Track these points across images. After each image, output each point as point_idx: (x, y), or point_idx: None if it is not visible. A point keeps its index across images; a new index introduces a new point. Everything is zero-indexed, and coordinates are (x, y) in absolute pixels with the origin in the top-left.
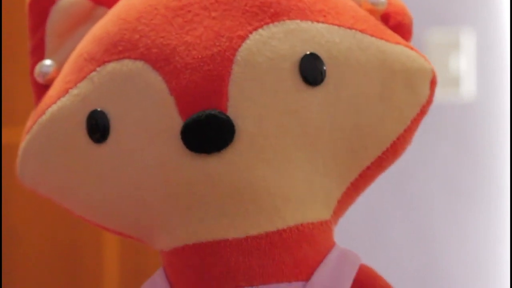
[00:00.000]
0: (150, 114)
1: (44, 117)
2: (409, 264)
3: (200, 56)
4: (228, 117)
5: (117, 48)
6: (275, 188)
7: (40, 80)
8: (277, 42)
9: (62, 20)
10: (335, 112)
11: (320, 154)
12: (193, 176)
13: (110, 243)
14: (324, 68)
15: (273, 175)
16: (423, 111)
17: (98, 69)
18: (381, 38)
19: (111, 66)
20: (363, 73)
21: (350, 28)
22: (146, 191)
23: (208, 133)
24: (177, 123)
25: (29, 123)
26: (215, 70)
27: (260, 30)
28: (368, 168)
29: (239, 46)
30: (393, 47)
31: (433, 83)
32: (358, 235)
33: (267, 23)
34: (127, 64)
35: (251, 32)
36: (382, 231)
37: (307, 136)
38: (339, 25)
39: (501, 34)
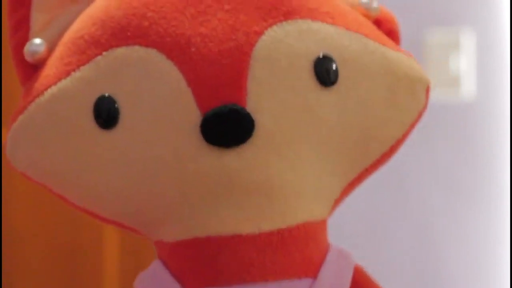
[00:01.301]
0: (165, 103)
1: (42, 98)
2: (408, 264)
3: (217, 49)
4: (248, 112)
5: (125, 33)
6: (289, 185)
7: (29, 59)
8: (292, 40)
9: None
10: (346, 113)
11: (330, 153)
12: (209, 169)
13: (110, 243)
14: (337, 69)
15: (288, 172)
16: (419, 117)
17: (104, 53)
18: (384, 44)
19: (119, 52)
20: (371, 77)
21: (356, 31)
22: (157, 180)
23: (229, 126)
24: (195, 115)
25: (22, 103)
26: (234, 64)
27: (274, 27)
28: (366, 169)
29: (256, 41)
30: (394, 54)
31: (427, 90)
32: (358, 234)
33: (280, 21)
34: (138, 51)
35: (266, 29)
36: (381, 231)
37: (319, 135)
38: (346, 28)
39: (501, 34)
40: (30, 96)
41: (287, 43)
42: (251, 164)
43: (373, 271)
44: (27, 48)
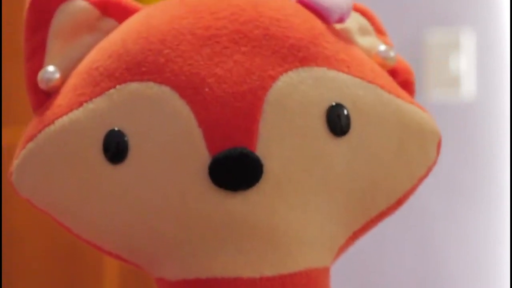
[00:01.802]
0: (175, 142)
1: (52, 127)
2: (409, 264)
3: (231, 91)
4: (258, 157)
5: (140, 68)
6: (293, 231)
7: (43, 86)
8: (306, 87)
9: (67, 23)
10: (355, 163)
11: (335, 202)
12: (214, 211)
13: None
14: (349, 120)
15: (293, 219)
16: (428, 172)
17: (118, 87)
18: (398, 96)
19: (133, 86)
20: (383, 129)
21: (371, 82)
22: (161, 218)
23: (238, 170)
24: (204, 156)
25: (31, 131)
26: (247, 108)
27: (290, 73)
28: (371, 220)
29: (270, 86)
30: (408, 107)
31: (439, 145)
32: None
33: (296, 67)
34: (152, 87)
35: (281, 74)
36: (382, 231)
37: (327, 183)
38: (361, 78)
39: (501, 34)
40: (40, 124)
41: (301, 89)
42: (256, 209)
43: (373, 271)
44: (41, 75)
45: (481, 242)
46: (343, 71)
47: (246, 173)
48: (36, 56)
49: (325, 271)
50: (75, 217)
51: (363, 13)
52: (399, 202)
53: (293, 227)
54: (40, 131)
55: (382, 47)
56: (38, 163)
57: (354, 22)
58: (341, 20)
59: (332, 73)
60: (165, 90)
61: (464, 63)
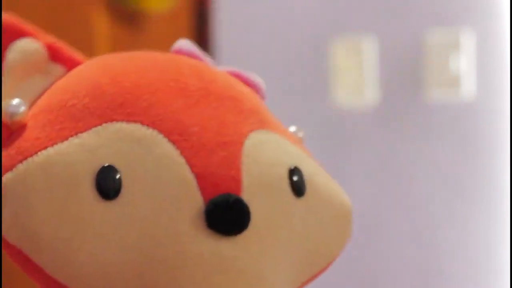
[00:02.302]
0: (168, 184)
1: (36, 158)
2: (409, 263)
3: (215, 141)
4: (247, 204)
5: (125, 109)
6: (271, 280)
7: (7, 119)
8: (270, 148)
9: (19, 61)
10: (309, 226)
11: (291, 259)
12: (206, 255)
13: None
14: (305, 183)
15: (270, 267)
16: (345, 244)
17: (104, 124)
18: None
19: (121, 126)
20: (325, 198)
21: (308, 155)
22: (147, 260)
23: (232, 216)
24: (198, 201)
25: (9, 161)
26: (230, 157)
27: (255, 132)
28: (308, 279)
29: (243, 141)
30: (334, 184)
31: (350, 223)
32: (358, 234)
33: (258, 128)
34: (140, 129)
35: (250, 132)
36: (382, 231)
37: (290, 240)
38: (302, 150)
39: (501, 34)
40: (19, 155)
41: (267, 149)
42: (245, 255)
43: (373, 270)
44: (6, 108)
45: (481, 242)
46: (289, 140)
47: (239, 218)
48: None
49: None
50: (55, 256)
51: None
52: (327, 267)
53: (271, 276)
54: (20, 161)
55: (293, 128)
56: (19, 195)
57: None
58: (263, 96)
59: (283, 140)
60: (153, 133)
61: (464, 63)
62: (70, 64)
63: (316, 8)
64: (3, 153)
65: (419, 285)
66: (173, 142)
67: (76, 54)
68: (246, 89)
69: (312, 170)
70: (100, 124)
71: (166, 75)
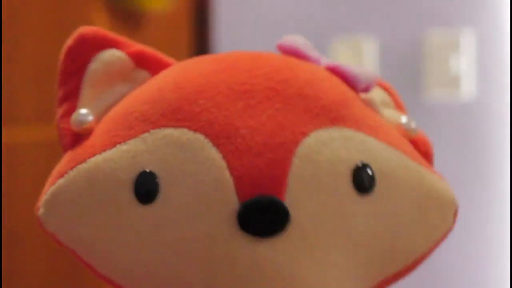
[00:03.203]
0: (205, 187)
1: (85, 165)
2: None
3: (263, 143)
4: (286, 205)
5: (176, 115)
6: (312, 283)
7: (74, 127)
8: (336, 145)
9: (102, 71)
10: (377, 223)
11: (355, 260)
12: (240, 257)
13: None
14: (374, 180)
15: (313, 271)
16: (444, 236)
17: (152, 131)
18: (420, 164)
19: (168, 132)
20: (405, 193)
21: (396, 148)
22: (186, 261)
23: (266, 217)
24: (233, 202)
25: (62, 168)
26: (278, 159)
27: (320, 130)
28: (386, 278)
29: (301, 141)
30: (429, 175)
31: (455, 213)
32: None
33: (327, 125)
34: (186, 134)
35: (312, 130)
36: None
37: (349, 240)
38: (387, 143)
39: (501, 34)
40: (73, 162)
41: (330, 146)
42: (281, 257)
43: None
44: (75, 117)
45: (481, 242)
46: (370, 135)
47: (274, 220)
48: (69, 100)
49: None
50: (101, 255)
51: (385, 88)
52: (415, 263)
53: (313, 279)
54: (72, 168)
55: (404, 119)
56: (68, 199)
57: (376, 93)
58: (367, 89)
59: (361, 135)
60: (199, 137)
61: (464, 63)
62: (155, 69)
63: (316, 8)
64: (63, 160)
65: (419, 284)
66: (218, 146)
67: (165, 58)
68: (334, 85)
69: (395, 165)
70: (149, 131)
71: (233, 77)
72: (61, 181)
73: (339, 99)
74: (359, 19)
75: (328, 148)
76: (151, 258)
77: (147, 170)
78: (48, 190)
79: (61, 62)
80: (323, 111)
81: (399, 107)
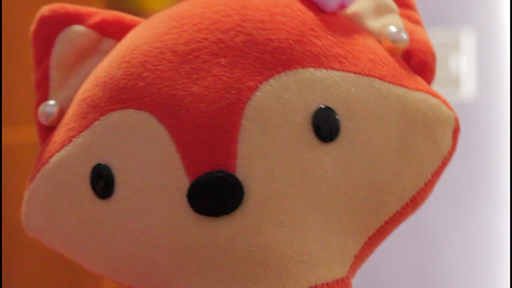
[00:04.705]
0: (156, 171)
1: (47, 166)
2: (408, 263)
3: (207, 110)
4: (237, 179)
5: (122, 95)
6: (288, 251)
7: (43, 121)
8: (289, 94)
9: (67, 52)
10: (351, 169)
11: (335, 213)
12: (201, 239)
13: None
14: (339, 122)
15: (286, 237)
16: (444, 163)
17: (101, 118)
18: (401, 85)
19: (115, 116)
20: (381, 126)
21: (367, 75)
22: (152, 252)
23: (216, 196)
24: (184, 183)
25: (32, 171)
26: (224, 126)
27: (271, 80)
28: (386, 222)
29: (249, 98)
30: (413, 95)
31: (456, 131)
32: None
33: (278, 72)
34: (132, 115)
35: (261, 83)
36: None
37: (320, 195)
38: (355, 72)
39: (501, 34)
40: (39, 164)
41: (283, 97)
42: (243, 233)
43: (372, 271)
44: (41, 110)
45: (481, 242)
46: (333, 68)
47: (225, 197)
48: (41, 88)
49: (338, 283)
50: (81, 254)
51: None
52: (414, 201)
53: (288, 246)
54: (38, 171)
55: (392, 29)
56: (38, 204)
57: (368, 1)
58: (342, 7)
59: (320, 73)
60: (145, 115)
61: (464, 63)
62: (120, 35)
63: None
64: (34, 161)
65: (419, 284)
66: (163, 122)
67: (129, 20)
68: (292, 17)
69: (364, 97)
70: (98, 119)
71: (179, 37)
72: (31, 186)
73: (294, 35)
74: None
75: (280, 99)
76: (123, 251)
77: (101, 164)
78: (24, 197)
79: (31, 49)
80: (274, 56)
81: (404, 5)
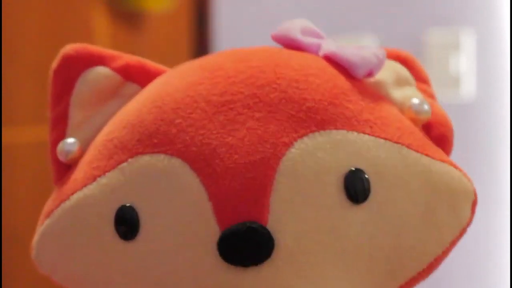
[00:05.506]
0: (185, 217)
1: (68, 203)
2: None
3: (242, 162)
4: (268, 231)
5: (152, 140)
6: None
7: (62, 158)
8: (323, 153)
9: (89, 93)
10: (377, 232)
11: (357, 272)
12: (226, 287)
13: None
14: (369, 185)
15: None
16: (462, 233)
17: (130, 160)
18: (427, 155)
19: (144, 160)
20: (408, 192)
21: (396, 142)
22: None
23: (246, 246)
24: (214, 231)
25: (49, 206)
26: (258, 179)
27: (305, 138)
28: (401, 286)
29: (283, 154)
30: (438, 165)
31: (474, 204)
32: None
33: (312, 131)
34: (163, 160)
35: (296, 140)
36: None
37: (345, 254)
38: (385, 138)
39: (501, 34)
40: (57, 200)
41: (316, 156)
42: (269, 284)
43: None
44: (60, 148)
45: (481, 242)
46: (364, 132)
47: (255, 248)
48: (59, 126)
49: None
50: None
51: (404, 61)
52: (430, 267)
53: None
54: (57, 207)
55: (415, 101)
56: (55, 240)
57: (390, 72)
58: (370, 74)
59: (352, 136)
60: (176, 162)
61: (464, 63)
62: (144, 80)
63: (316, 8)
64: (51, 197)
65: (418, 285)
66: (195, 170)
67: (154, 67)
68: (325, 79)
69: (393, 163)
70: (126, 160)
71: (213, 88)
72: (47, 221)
73: (327, 97)
74: (359, 18)
75: (314, 158)
76: None
77: (127, 205)
78: (37, 231)
79: (50, 85)
80: (308, 115)
81: (420, 80)
